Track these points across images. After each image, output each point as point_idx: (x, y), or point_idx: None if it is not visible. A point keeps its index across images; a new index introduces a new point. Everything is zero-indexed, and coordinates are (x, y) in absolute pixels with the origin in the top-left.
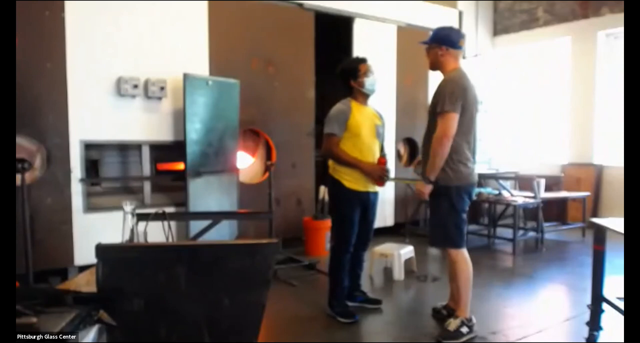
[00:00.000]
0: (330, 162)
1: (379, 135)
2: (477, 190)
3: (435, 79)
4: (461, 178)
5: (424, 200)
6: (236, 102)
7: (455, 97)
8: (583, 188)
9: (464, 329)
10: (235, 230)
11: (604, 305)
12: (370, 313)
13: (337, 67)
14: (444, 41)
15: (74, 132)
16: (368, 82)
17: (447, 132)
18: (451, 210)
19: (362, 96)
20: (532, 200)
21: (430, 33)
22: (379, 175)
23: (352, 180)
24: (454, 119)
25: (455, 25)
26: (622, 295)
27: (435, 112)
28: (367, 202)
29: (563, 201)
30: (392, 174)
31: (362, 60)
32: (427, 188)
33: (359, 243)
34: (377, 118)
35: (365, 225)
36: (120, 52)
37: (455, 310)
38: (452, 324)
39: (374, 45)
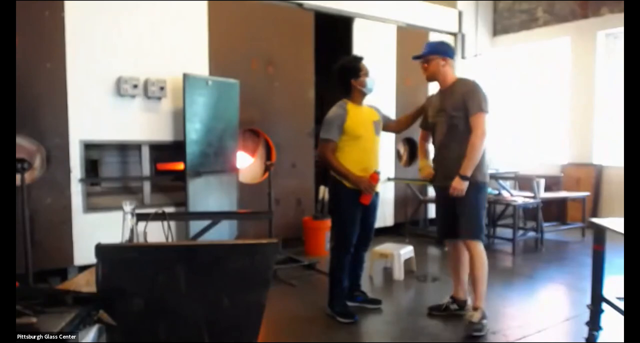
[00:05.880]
0: None
1: (378, 132)
2: None
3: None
4: (487, 175)
5: (459, 196)
6: (236, 102)
7: (487, 99)
8: (583, 188)
9: (485, 320)
10: (235, 230)
11: (604, 305)
12: (370, 313)
13: (334, 65)
14: (446, 52)
15: (73, 132)
16: (369, 82)
17: (485, 131)
18: (484, 204)
19: (360, 96)
20: (531, 200)
21: (426, 46)
22: (365, 187)
23: None
24: (487, 119)
25: (455, 25)
26: (622, 295)
27: (463, 113)
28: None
29: (563, 201)
30: (390, 175)
31: (361, 59)
32: (465, 185)
33: (359, 244)
34: (374, 114)
35: (366, 226)
36: (120, 52)
37: (474, 301)
38: (475, 316)
39: (374, 45)
